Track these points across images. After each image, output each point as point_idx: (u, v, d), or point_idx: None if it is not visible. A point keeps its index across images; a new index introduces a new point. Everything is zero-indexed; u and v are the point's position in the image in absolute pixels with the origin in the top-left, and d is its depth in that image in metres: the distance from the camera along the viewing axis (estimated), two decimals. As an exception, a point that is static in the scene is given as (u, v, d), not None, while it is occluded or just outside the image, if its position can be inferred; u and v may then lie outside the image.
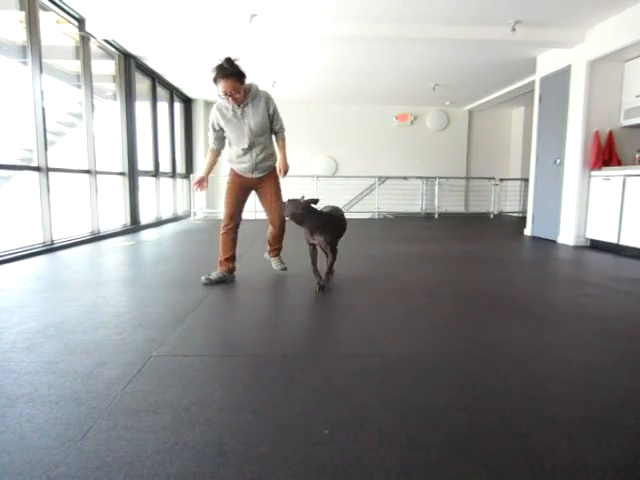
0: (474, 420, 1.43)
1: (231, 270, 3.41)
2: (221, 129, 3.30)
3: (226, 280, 3.36)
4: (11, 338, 2.13)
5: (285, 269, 3.64)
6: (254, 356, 1.98)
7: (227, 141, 3.39)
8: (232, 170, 3.43)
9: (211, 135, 3.36)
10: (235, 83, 3.01)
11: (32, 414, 1.44)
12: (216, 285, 3.26)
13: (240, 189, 3.41)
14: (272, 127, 3.35)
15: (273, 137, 3.43)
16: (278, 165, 3.43)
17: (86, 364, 1.83)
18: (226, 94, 3.05)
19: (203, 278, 3.30)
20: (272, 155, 3.43)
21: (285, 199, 3.15)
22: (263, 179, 3.42)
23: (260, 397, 1.58)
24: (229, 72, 2.97)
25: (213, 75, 3.00)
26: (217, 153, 3.43)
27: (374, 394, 1.61)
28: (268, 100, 3.25)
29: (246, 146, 3.28)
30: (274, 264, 3.68)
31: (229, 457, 1.23)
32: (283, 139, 3.42)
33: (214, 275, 3.33)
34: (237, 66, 3.01)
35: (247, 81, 3.13)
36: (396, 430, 1.37)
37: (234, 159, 3.37)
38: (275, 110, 3.30)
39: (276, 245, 3.64)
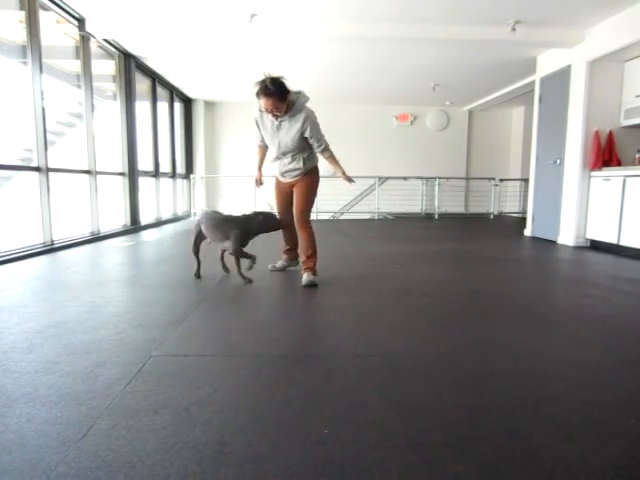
0: (474, 420, 1.43)
1: (292, 259, 3.74)
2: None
3: (290, 266, 3.75)
4: (11, 338, 2.13)
5: (313, 284, 3.23)
6: (254, 356, 1.98)
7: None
8: None
9: (257, 132, 3.44)
10: (276, 102, 3.03)
11: (32, 414, 1.44)
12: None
13: (279, 190, 3.56)
14: (312, 146, 3.28)
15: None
16: (342, 178, 3.40)
17: (86, 364, 1.83)
18: (267, 110, 3.10)
19: (270, 266, 3.73)
20: (305, 161, 3.33)
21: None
22: (295, 183, 3.43)
23: (260, 397, 1.58)
24: (271, 92, 2.98)
25: (256, 89, 3.02)
26: (264, 148, 3.52)
27: (374, 394, 1.61)
28: (306, 120, 3.15)
29: (274, 155, 3.39)
30: (303, 278, 3.30)
31: (229, 457, 1.23)
32: (330, 157, 3.33)
33: (279, 264, 3.73)
34: (281, 84, 3.01)
35: (296, 90, 3.14)
36: (396, 430, 1.37)
37: (270, 161, 3.51)
38: (313, 131, 3.18)
39: (303, 257, 3.37)
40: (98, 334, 2.19)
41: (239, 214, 3.38)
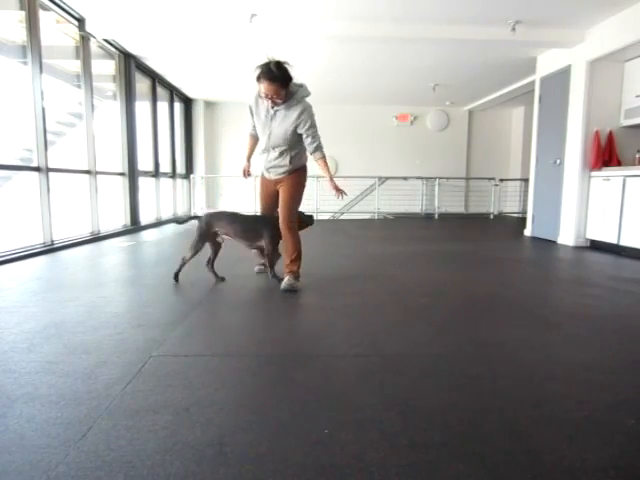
0: (474, 420, 1.43)
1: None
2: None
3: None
4: (11, 338, 2.13)
5: (293, 289, 3.07)
6: (254, 356, 1.98)
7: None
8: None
9: (250, 120, 3.23)
10: (278, 88, 2.85)
11: (32, 414, 1.44)
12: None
13: (265, 187, 3.35)
14: (304, 143, 3.10)
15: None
16: (329, 185, 3.15)
17: (86, 364, 1.83)
18: (267, 96, 2.89)
19: (256, 268, 3.61)
20: (292, 159, 3.13)
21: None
22: (280, 180, 3.23)
23: (260, 397, 1.58)
24: (275, 76, 2.80)
25: (257, 73, 2.83)
26: (256, 138, 3.29)
27: (374, 394, 1.60)
28: (303, 113, 2.97)
29: (263, 147, 3.16)
30: (283, 282, 3.13)
31: (229, 457, 1.23)
32: (321, 158, 3.09)
33: (257, 268, 3.62)
34: (285, 70, 2.85)
35: (298, 82, 3.00)
36: (396, 430, 1.37)
37: (259, 153, 3.30)
38: (308, 127, 3.00)
39: (287, 260, 3.16)
40: (98, 334, 2.19)
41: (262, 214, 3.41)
